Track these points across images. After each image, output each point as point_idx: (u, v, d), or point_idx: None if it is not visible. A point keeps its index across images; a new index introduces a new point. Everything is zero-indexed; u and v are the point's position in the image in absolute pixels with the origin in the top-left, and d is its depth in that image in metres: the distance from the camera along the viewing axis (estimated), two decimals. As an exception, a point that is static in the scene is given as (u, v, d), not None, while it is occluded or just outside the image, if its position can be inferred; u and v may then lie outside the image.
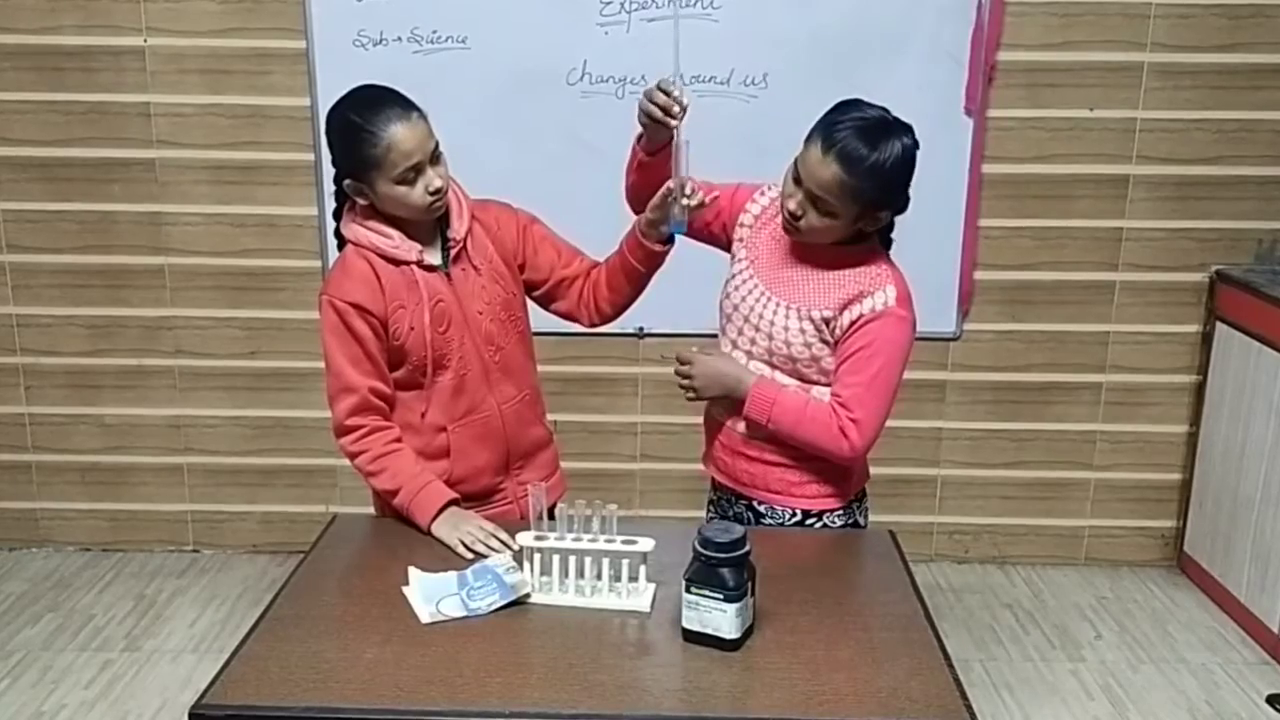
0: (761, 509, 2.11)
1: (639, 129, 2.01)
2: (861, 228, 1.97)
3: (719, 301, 2.15)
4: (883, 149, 1.87)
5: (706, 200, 1.99)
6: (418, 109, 1.97)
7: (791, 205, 1.94)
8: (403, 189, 1.95)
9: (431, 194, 1.96)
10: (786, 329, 2.00)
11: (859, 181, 1.87)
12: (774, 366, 2.04)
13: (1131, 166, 3.35)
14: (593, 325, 2.23)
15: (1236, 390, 3.30)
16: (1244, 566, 3.25)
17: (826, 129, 1.89)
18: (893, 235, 2.07)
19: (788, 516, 2.09)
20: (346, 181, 2.00)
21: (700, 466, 2.26)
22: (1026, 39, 3.23)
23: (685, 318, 2.98)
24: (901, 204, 1.98)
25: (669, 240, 2.08)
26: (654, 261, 2.11)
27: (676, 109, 1.90)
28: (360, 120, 1.93)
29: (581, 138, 3.21)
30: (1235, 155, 3.33)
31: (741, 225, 2.13)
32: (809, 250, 2.02)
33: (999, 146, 3.31)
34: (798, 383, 2.03)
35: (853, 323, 1.96)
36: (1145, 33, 3.24)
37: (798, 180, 1.93)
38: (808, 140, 1.92)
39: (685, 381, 2.08)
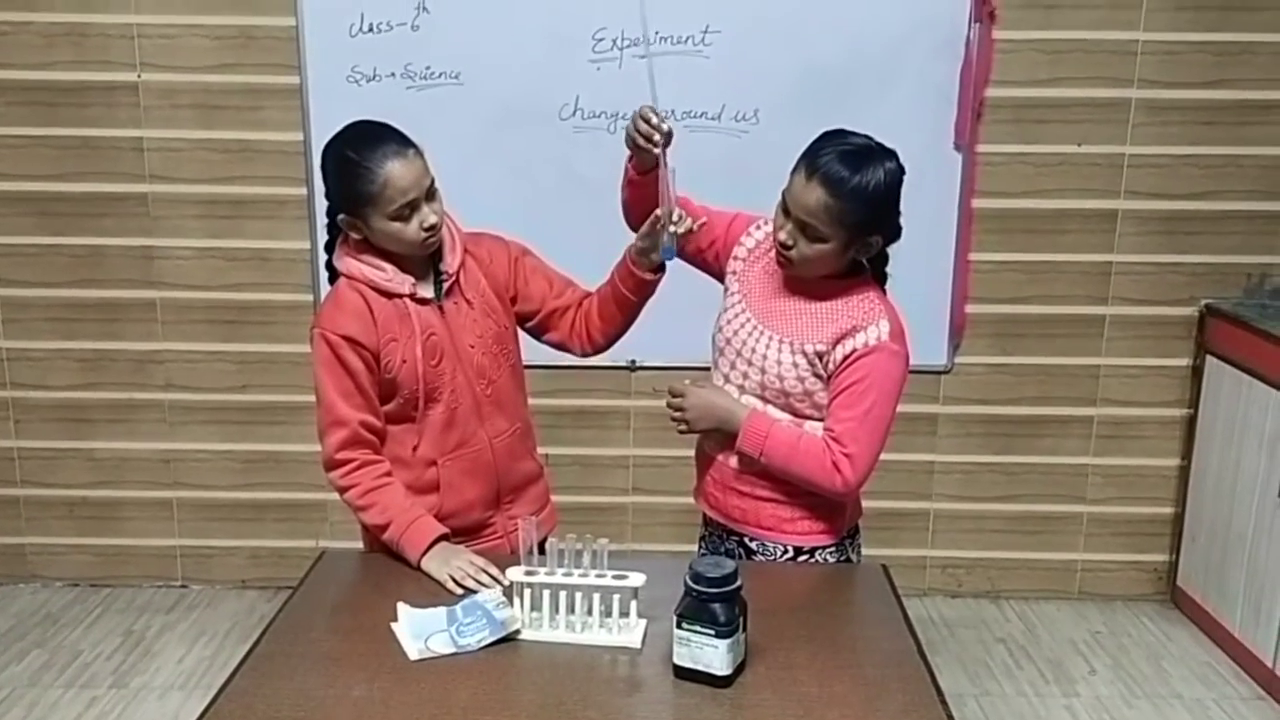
0: (753, 545, 2.10)
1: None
2: (854, 255, 1.97)
3: (711, 335, 2.14)
4: (865, 172, 1.88)
5: (695, 227, 1.99)
6: (414, 145, 1.97)
7: (782, 236, 1.94)
8: (398, 225, 1.95)
9: (426, 230, 1.96)
10: (779, 363, 2.00)
11: (844, 204, 1.87)
12: (766, 400, 2.04)
13: (1120, 201, 3.37)
14: (585, 355, 2.23)
15: (1227, 423, 3.31)
16: (1237, 600, 3.25)
17: (810, 156, 1.91)
18: (888, 270, 2.07)
19: (779, 553, 2.08)
20: (341, 216, 2.00)
21: (692, 499, 2.25)
22: (1015, 75, 3.27)
23: (677, 351, 2.98)
24: (891, 229, 1.97)
25: (660, 268, 2.08)
26: (645, 290, 2.11)
27: (658, 136, 1.91)
28: (357, 156, 1.94)
29: (574, 172, 3.23)
30: (1223, 190, 3.35)
31: (735, 258, 2.12)
32: (802, 284, 2.02)
33: (989, 181, 3.34)
34: (790, 417, 2.03)
35: (846, 357, 1.96)
36: (1132, 69, 3.27)
37: (786, 211, 1.94)
38: (793, 170, 1.93)
39: (677, 414, 2.07)
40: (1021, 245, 3.40)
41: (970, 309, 3.43)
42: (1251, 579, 3.18)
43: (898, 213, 1.96)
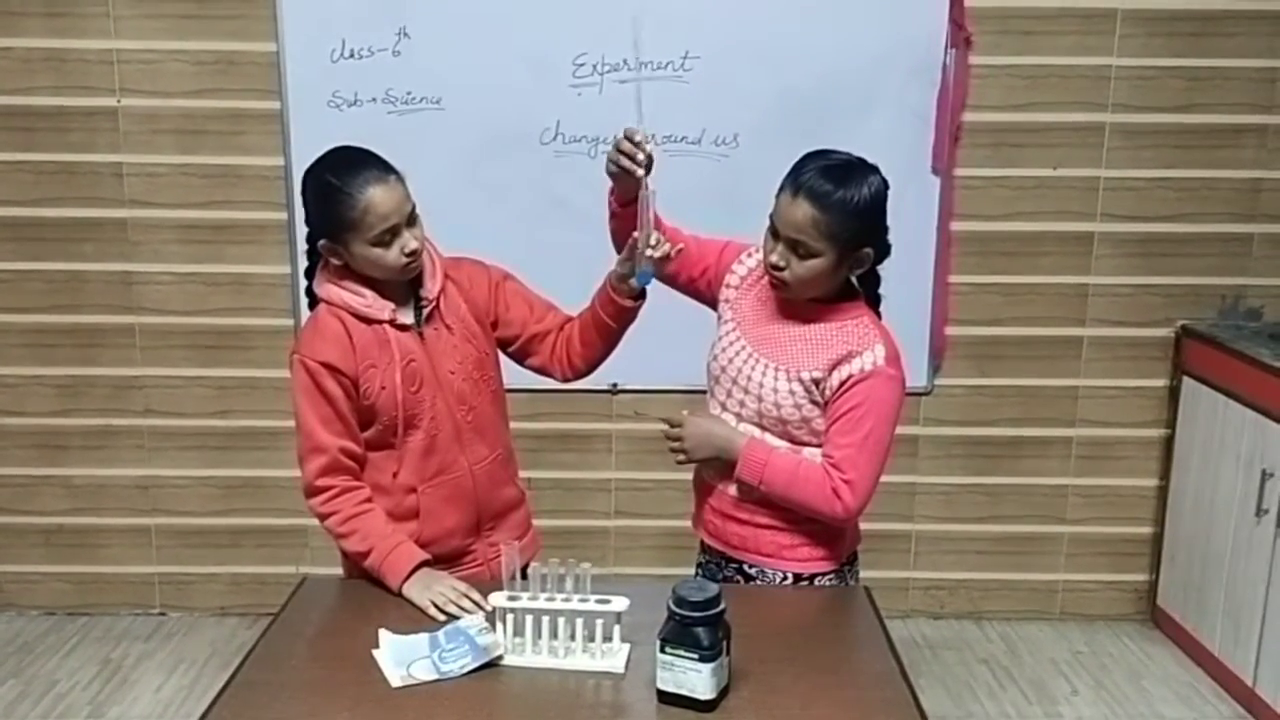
0: (752, 572, 2.08)
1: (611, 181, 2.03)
2: (847, 272, 1.97)
3: (706, 364, 2.13)
4: (850, 184, 1.89)
5: (672, 252, 1.99)
6: (395, 171, 1.98)
7: (774, 258, 1.94)
8: (378, 250, 1.95)
9: (407, 256, 1.96)
10: (776, 391, 1.99)
11: (831, 216, 1.88)
12: (764, 428, 2.02)
13: (1096, 224, 3.41)
14: (566, 380, 2.22)
15: (1205, 444, 3.33)
16: (1217, 620, 3.26)
17: (794, 175, 1.92)
18: (881, 292, 2.08)
19: (779, 579, 2.06)
20: (321, 242, 1.99)
21: (677, 523, 2.24)
22: (992, 100, 3.30)
23: (659, 374, 2.99)
24: (881, 242, 1.98)
25: (640, 295, 2.08)
26: (625, 317, 2.11)
27: (641, 156, 1.91)
28: (338, 182, 1.93)
29: (555, 196, 3.24)
30: (1197, 213, 3.39)
31: (727, 286, 2.13)
32: (796, 310, 2.01)
33: (967, 204, 3.37)
34: (789, 444, 2.02)
35: (842, 383, 1.95)
36: (1106, 94, 3.32)
37: (775, 234, 1.95)
38: (779, 191, 1.94)
39: (676, 444, 2.05)
40: (1000, 268, 3.43)
41: (950, 331, 3.45)
42: (1230, 598, 3.20)
43: (886, 226, 1.97)
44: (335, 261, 2.00)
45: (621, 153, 1.93)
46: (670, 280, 2.13)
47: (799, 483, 1.97)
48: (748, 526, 2.06)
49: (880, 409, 1.95)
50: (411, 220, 1.98)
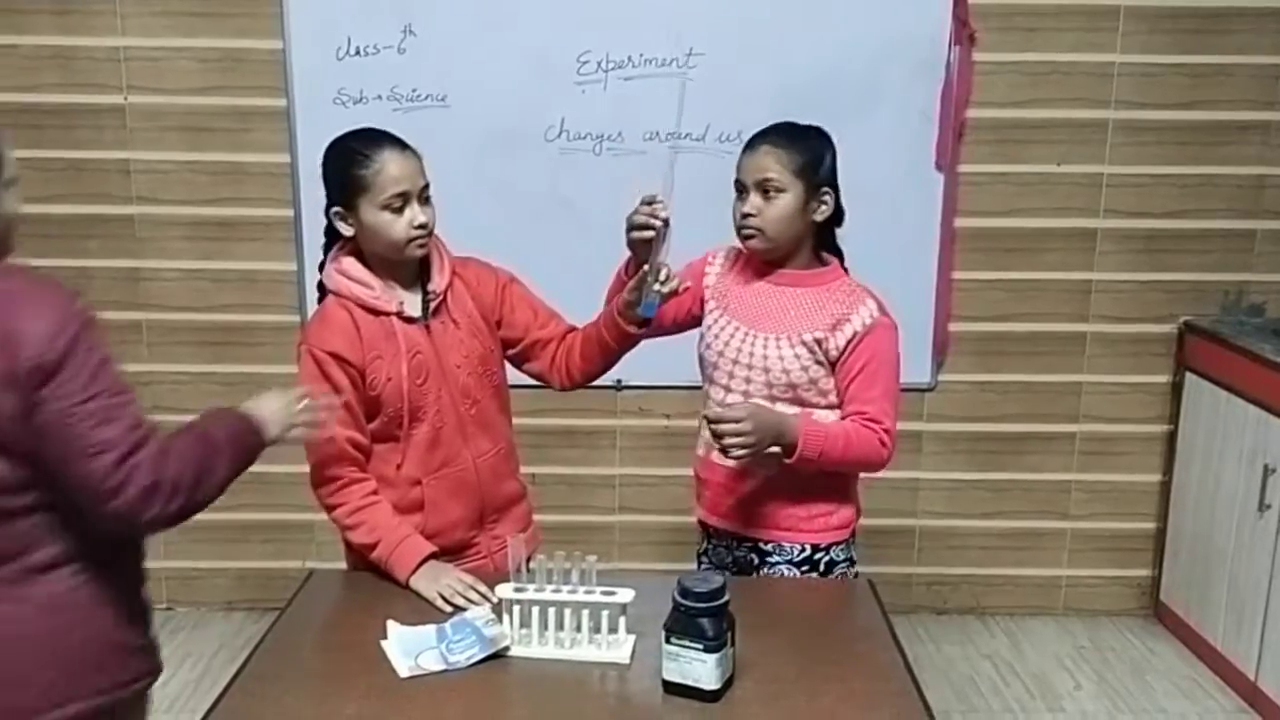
0: (768, 548, 2.13)
1: (624, 244, 2.05)
2: (811, 216, 2.05)
3: (698, 355, 2.17)
4: (801, 130, 2.09)
5: (680, 289, 2.03)
6: (414, 150, 2.03)
7: (745, 208, 2.05)
8: (388, 216, 1.97)
9: (416, 228, 1.98)
10: (782, 358, 2.06)
11: (792, 149, 2.03)
12: (775, 399, 2.08)
13: (1099, 220, 3.41)
14: (563, 388, 2.24)
15: (1207, 439, 3.34)
16: (1219, 615, 3.27)
17: (751, 138, 2.10)
18: (846, 266, 2.15)
19: (796, 552, 2.11)
20: (334, 209, 2.02)
21: (681, 518, 2.26)
22: (995, 96, 3.31)
23: (663, 370, 2.99)
24: (835, 186, 2.07)
25: (643, 324, 2.08)
26: (627, 341, 2.11)
27: (658, 221, 1.95)
28: (356, 145, 2.00)
29: (560, 193, 3.25)
30: (1200, 209, 3.40)
31: (706, 287, 2.20)
32: (779, 282, 2.10)
33: (970, 201, 3.37)
34: (799, 409, 2.07)
35: (849, 342, 2.04)
36: (1110, 90, 3.32)
37: (742, 190, 2.06)
38: (739, 159, 2.09)
39: (739, 439, 1.93)
40: (1003, 264, 3.44)
41: (954, 327, 3.46)
42: (1233, 593, 3.21)
43: (838, 186, 2.07)
44: (346, 230, 2.01)
45: (639, 212, 1.97)
46: (659, 322, 2.11)
47: (854, 443, 2.03)
48: (765, 502, 2.12)
49: (890, 358, 2.08)
50: (425, 198, 2.01)
